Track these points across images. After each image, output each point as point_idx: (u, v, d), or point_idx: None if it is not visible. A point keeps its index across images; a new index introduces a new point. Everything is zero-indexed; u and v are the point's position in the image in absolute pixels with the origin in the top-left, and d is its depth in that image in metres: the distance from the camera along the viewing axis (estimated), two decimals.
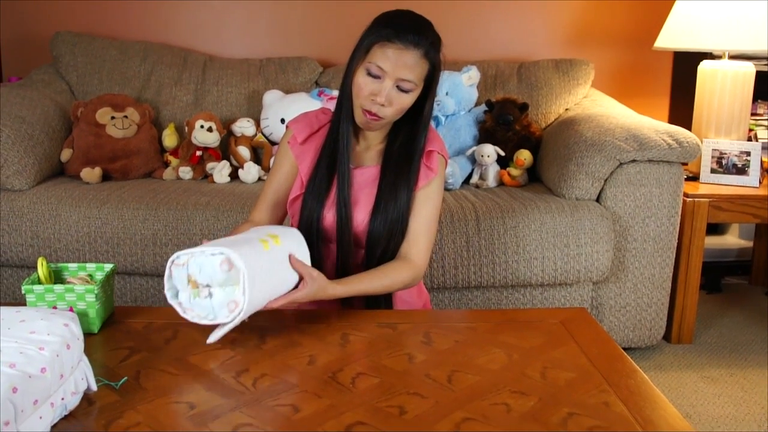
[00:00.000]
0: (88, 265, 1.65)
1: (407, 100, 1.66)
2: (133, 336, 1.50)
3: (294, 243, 1.54)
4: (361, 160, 1.78)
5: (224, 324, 1.38)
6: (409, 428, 1.15)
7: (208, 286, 1.37)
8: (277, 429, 1.15)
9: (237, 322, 1.38)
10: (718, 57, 3.02)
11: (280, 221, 1.82)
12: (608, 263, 2.47)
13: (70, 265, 1.64)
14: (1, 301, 2.33)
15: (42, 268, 1.56)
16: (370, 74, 1.64)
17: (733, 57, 2.99)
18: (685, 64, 3.37)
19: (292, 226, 1.76)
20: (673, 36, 2.96)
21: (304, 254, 1.56)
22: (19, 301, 1.63)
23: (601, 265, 2.45)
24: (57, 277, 1.62)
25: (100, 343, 1.47)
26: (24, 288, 1.50)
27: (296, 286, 1.51)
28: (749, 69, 2.95)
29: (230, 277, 1.35)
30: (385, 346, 1.45)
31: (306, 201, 1.73)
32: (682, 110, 3.42)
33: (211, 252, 1.36)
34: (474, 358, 1.40)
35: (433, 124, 2.92)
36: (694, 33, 2.88)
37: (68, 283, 1.58)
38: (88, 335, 1.48)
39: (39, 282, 1.55)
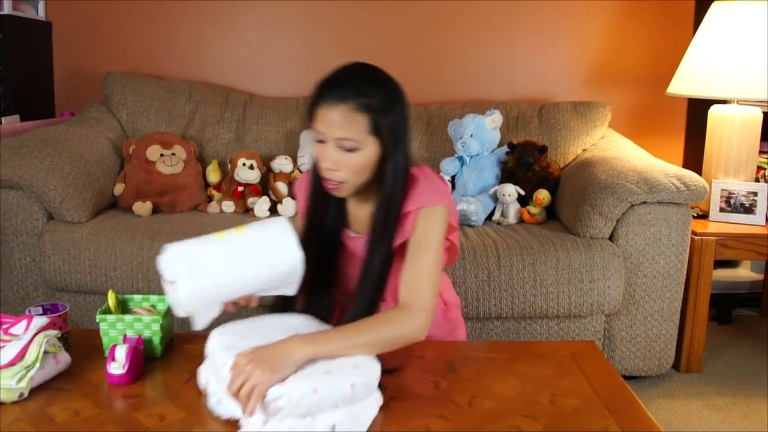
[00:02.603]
0: (151, 296, 1.86)
1: (357, 160, 1.58)
2: (192, 360, 1.70)
3: (262, 232, 1.53)
4: (361, 227, 1.75)
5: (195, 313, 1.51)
6: None
7: (173, 282, 1.48)
8: None
9: (193, 309, 1.49)
10: (729, 101, 3.20)
11: None
12: (619, 297, 2.65)
13: (135, 296, 1.85)
14: None
15: (112, 299, 1.78)
16: (317, 140, 1.60)
17: (742, 101, 3.17)
18: (699, 107, 3.53)
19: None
20: (685, 83, 3.15)
21: (276, 242, 1.52)
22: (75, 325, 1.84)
23: (612, 299, 2.63)
24: (123, 307, 1.84)
25: (163, 367, 1.67)
26: (98, 317, 1.71)
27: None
28: (757, 114, 3.13)
29: (179, 270, 1.45)
30: (415, 374, 1.65)
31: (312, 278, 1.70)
32: (695, 150, 3.59)
33: (165, 251, 1.48)
34: (492, 386, 1.60)
35: (457, 163, 3.16)
36: (704, 81, 3.06)
37: (135, 313, 1.79)
38: (152, 359, 1.70)
39: (109, 311, 1.76)
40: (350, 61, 1.66)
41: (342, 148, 1.57)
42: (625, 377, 2.81)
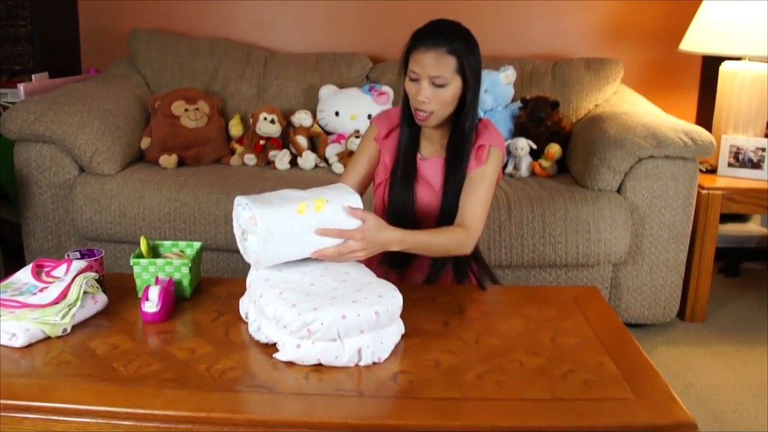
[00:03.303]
0: (180, 242, 1.99)
1: (446, 94, 1.90)
2: (219, 301, 1.83)
3: (340, 211, 1.71)
4: (431, 152, 2.06)
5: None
6: (442, 376, 1.47)
7: (245, 231, 1.68)
8: (342, 373, 1.48)
9: (259, 266, 1.67)
10: (741, 58, 3.25)
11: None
12: (625, 248, 2.75)
13: (165, 242, 1.98)
14: None
15: (144, 245, 1.91)
16: (411, 80, 1.93)
17: (753, 58, 3.22)
18: (713, 63, 3.55)
19: (375, 208, 2.13)
20: (697, 40, 3.20)
21: (348, 221, 1.71)
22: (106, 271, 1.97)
23: (619, 249, 2.74)
24: (154, 252, 1.97)
25: (192, 307, 1.81)
26: (132, 261, 1.84)
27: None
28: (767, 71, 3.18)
29: (256, 229, 1.63)
30: (426, 313, 1.77)
31: (391, 186, 2.04)
32: (708, 106, 3.64)
33: (246, 204, 1.65)
34: (497, 325, 1.72)
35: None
36: (716, 38, 3.12)
37: (165, 257, 1.91)
38: (181, 300, 1.83)
39: (142, 256, 1.89)
40: (438, 18, 2.00)
41: (434, 84, 1.89)
42: (631, 325, 2.93)
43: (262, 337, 1.58)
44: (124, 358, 1.53)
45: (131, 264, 1.84)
